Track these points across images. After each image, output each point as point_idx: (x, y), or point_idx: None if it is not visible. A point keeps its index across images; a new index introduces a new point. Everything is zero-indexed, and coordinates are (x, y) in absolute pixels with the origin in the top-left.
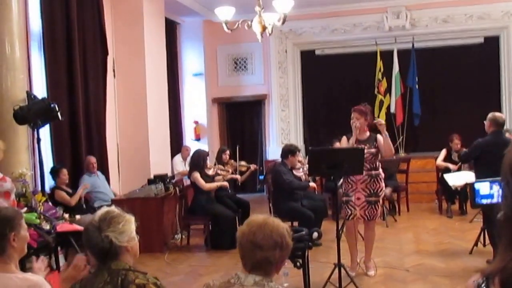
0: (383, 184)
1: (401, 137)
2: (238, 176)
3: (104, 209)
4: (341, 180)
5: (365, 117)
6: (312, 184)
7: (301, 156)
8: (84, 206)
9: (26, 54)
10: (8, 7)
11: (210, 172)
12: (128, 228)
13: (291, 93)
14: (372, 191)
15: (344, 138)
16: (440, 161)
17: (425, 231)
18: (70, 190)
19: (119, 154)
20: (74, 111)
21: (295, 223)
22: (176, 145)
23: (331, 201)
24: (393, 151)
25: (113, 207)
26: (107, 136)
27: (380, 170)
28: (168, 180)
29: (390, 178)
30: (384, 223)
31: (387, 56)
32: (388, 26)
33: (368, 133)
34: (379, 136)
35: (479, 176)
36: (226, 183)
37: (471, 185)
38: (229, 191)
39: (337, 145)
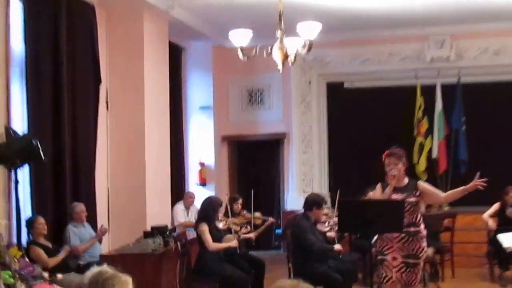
0: (424, 244)
1: (444, 188)
2: (252, 236)
3: (95, 269)
4: (375, 237)
5: (403, 162)
6: (337, 247)
7: (327, 208)
8: (69, 263)
9: (5, 82)
10: None
11: (221, 225)
12: None
13: (315, 132)
14: (410, 251)
15: (378, 187)
16: (487, 215)
17: None
18: (49, 244)
19: (109, 201)
20: (59, 150)
21: None
22: (177, 191)
23: (361, 262)
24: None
25: (105, 267)
26: (97, 180)
27: (422, 227)
28: (168, 233)
29: (432, 237)
30: None
31: (428, 91)
32: (430, 57)
33: (406, 180)
34: (420, 183)
35: None
36: (235, 243)
37: None
38: (238, 251)
39: (370, 195)
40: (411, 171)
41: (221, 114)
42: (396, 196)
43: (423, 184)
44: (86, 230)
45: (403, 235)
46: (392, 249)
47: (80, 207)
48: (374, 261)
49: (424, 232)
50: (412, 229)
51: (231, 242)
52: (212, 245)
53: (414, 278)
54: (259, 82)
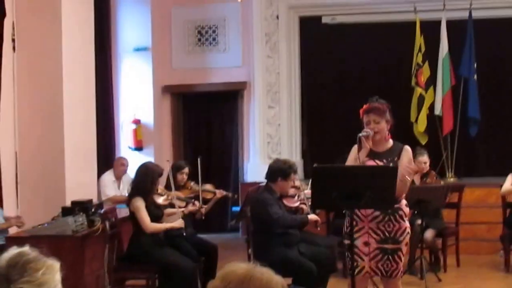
0: (406, 224)
1: (449, 154)
2: (200, 207)
3: (13, 250)
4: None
5: (386, 120)
6: (312, 216)
7: (297, 179)
8: None
9: None
10: None
11: (161, 200)
12: (51, 278)
13: (284, 82)
14: (387, 234)
15: (353, 150)
16: (508, 186)
17: None
18: None
19: (17, 169)
20: None
21: (289, 280)
22: (106, 157)
23: (341, 248)
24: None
25: (26, 248)
26: (0, 141)
27: (403, 203)
28: (93, 210)
29: (432, 216)
30: (423, 283)
31: (431, 29)
32: None
33: (390, 143)
34: (407, 149)
35: None
36: (181, 222)
37: None
38: (184, 233)
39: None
40: (408, 132)
41: (162, 57)
42: (372, 164)
43: (407, 153)
44: None
45: (377, 213)
46: (363, 231)
47: None
48: (340, 247)
49: (406, 210)
50: None
51: (174, 221)
52: (149, 225)
53: (394, 268)
54: (211, 15)
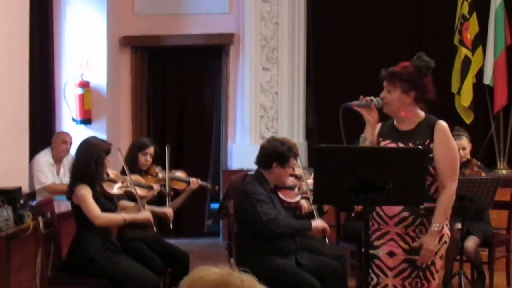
0: (443, 230)
1: (501, 137)
2: (169, 210)
3: None
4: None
5: (402, 89)
6: (317, 223)
7: (298, 166)
8: None
9: None
10: None
11: (115, 189)
12: None
13: (285, 35)
14: (418, 242)
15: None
16: None
17: None
18: None
19: None
20: None
21: None
22: (42, 131)
23: (355, 258)
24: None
25: None
26: None
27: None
28: (22, 202)
29: (476, 219)
30: None
31: None
32: None
33: (420, 117)
34: (440, 127)
35: None
36: (147, 215)
37: None
38: (154, 228)
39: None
40: (448, 107)
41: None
42: (393, 146)
43: (440, 134)
44: None
45: (405, 213)
46: (387, 238)
47: None
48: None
49: None
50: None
51: (139, 213)
52: (100, 216)
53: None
54: None
